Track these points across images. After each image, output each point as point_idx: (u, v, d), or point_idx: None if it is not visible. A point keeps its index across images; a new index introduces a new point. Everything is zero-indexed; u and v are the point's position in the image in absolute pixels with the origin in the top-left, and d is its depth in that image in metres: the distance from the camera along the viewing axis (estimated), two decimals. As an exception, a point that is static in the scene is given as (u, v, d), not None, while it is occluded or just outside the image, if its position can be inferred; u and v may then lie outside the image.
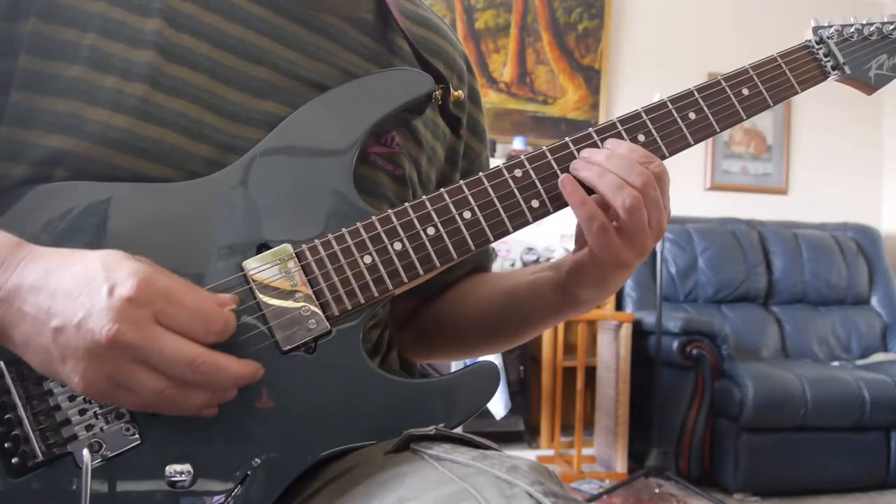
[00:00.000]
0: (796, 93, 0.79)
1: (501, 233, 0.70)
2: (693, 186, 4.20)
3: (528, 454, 3.33)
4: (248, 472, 0.61)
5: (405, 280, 0.67)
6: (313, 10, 0.75)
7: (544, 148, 0.72)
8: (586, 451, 3.36)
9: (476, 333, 0.90)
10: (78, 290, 0.54)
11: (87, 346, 0.53)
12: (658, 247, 3.15)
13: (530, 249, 3.46)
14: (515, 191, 0.70)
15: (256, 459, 0.61)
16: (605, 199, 0.69)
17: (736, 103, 0.76)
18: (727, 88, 0.76)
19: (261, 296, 0.63)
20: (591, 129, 0.73)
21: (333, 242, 0.66)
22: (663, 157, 0.73)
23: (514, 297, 0.85)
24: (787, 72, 0.79)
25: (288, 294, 0.64)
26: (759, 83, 0.77)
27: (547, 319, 0.85)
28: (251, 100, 0.70)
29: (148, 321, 0.54)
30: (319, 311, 0.64)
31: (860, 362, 3.62)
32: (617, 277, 0.75)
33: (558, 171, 0.71)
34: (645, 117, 0.74)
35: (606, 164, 0.69)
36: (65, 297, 0.54)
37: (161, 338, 0.55)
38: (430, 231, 0.68)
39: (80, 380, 0.55)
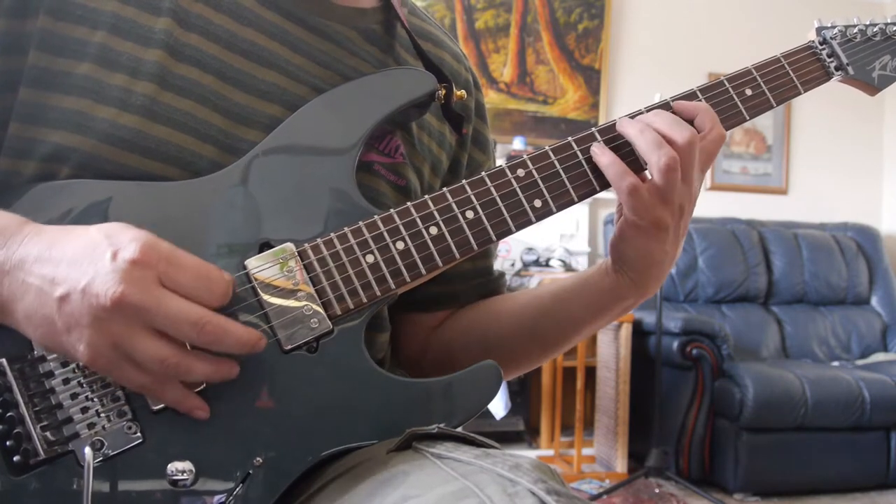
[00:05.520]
0: (799, 93, 0.79)
1: (504, 232, 0.70)
2: (693, 186, 4.20)
3: (528, 454, 3.31)
4: (250, 472, 0.61)
5: (407, 279, 0.67)
6: (323, 17, 0.75)
7: (547, 148, 0.72)
8: (586, 451, 3.35)
9: (511, 342, 0.84)
10: (82, 257, 0.55)
11: (92, 312, 0.54)
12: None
13: (530, 249, 3.45)
14: (518, 190, 0.70)
15: (258, 458, 0.61)
16: (642, 157, 0.69)
17: (739, 103, 0.76)
18: (730, 89, 0.76)
19: (263, 294, 0.63)
20: (594, 129, 0.73)
21: (336, 241, 0.66)
22: None
23: (562, 294, 0.82)
24: (791, 72, 0.79)
25: (290, 293, 0.64)
26: (762, 83, 0.77)
27: (592, 315, 0.80)
28: (257, 102, 0.70)
29: (152, 283, 0.54)
30: (321, 310, 0.64)
31: (860, 362, 3.63)
32: (657, 244, 0.71)
33: (561, 171, 0.71)
34: (648, 117, 0.74)
35: (649, 119, 0.70)
36: (69, 266, 0.55)
37: (166, 298, 0.55)
38: (433, 230, 0.68)
39: (85, 348, 0.55)
